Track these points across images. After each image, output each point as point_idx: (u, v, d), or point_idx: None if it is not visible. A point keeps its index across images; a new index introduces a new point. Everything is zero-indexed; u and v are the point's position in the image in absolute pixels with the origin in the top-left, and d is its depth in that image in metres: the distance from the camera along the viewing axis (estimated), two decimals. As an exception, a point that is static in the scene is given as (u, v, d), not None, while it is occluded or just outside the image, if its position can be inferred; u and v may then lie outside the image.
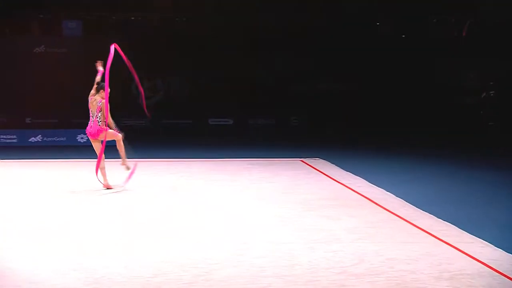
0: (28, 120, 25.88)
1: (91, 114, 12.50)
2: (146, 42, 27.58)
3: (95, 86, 12.58)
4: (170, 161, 16.99)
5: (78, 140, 21.87)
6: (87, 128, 12.53)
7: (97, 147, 12.53)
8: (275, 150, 20.05)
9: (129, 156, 12.93)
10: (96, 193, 12.18)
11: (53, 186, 12.92)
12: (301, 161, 16.91)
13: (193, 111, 27.92)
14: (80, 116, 25.64)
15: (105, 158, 12.56)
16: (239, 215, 10.15)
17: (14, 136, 21.78)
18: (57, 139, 21.97)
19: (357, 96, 27.91)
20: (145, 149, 20.67)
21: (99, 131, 12.44)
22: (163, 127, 27.30)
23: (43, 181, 13.46)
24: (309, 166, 15.98)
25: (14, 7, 26.58)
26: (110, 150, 13.13)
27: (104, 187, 12.47)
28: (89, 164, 14.41)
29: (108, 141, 12.59)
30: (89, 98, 12.51)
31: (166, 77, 28.85)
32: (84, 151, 19.87)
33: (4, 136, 21.65)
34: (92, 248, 7.95)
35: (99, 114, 12.42)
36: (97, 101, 12.45)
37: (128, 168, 12.79)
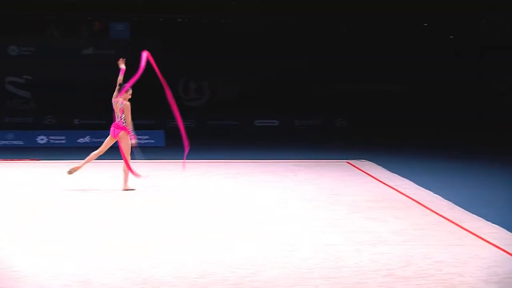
0: (76, 121, 26.27)
1: (115, 115, 12.63)
2: (192, 43, 27.75)
3: (117, 87, 12.67)
4: (215, 162, 17.06)
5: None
6: (113, 124, 12.64)
7: (107, 144, 12.66)
8: (321, 151, 19.98)
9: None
10: (136, 193, 12.28)
11: (95, 186, 13.06)
12: (347, 162, 16.83)
13: (239, 112, 28.00)
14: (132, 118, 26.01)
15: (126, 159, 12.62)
16: (285, 216, 10.15)
17: (63, 137, 22.08)
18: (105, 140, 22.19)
19: (405, 97, 27.71)
20: (191, 150, 20.79)
21: (121, 128, 12.55)
22: (208, 128, 27.44)
23: (88, 181, 13.62)
24: (355, 168, 15.90)
25: (63, 10, 26.98)
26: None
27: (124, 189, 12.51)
28: (134, 165, 14.52)
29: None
30: (113, 100, 12.61)
31: (212, 78, 28.98)
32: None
33: (53, 137, 21.97)
34: (137, 249, 8.02)
35: (122, 115, 12.55)
36: (119, 102, 12.56)
37: (70, 173, 12.61)
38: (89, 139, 22.10)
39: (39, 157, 17.94)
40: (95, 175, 14.22)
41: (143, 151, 20.09)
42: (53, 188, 12.82)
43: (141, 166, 16.28)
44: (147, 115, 26.67)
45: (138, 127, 23.47)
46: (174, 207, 10.87)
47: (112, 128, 12.58)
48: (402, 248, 8.16)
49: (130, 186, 12.60)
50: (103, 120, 25.55)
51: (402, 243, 8.39)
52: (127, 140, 12.48)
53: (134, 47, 26.52)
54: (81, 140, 22.15)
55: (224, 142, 23.57)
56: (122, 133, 12.49)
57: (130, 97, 12.68)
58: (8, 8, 26.72)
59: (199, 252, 7.86)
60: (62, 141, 21.96)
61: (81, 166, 12.64)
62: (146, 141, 22.23)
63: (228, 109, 28.14)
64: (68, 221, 9.77)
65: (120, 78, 12.73)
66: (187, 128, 27.61)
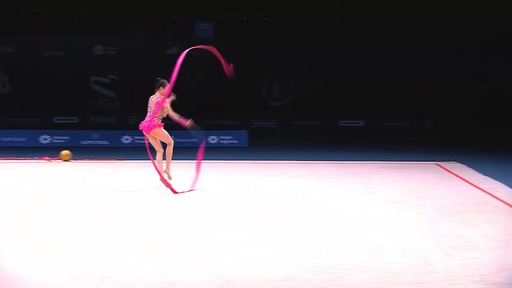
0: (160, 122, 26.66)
1: (148, 110, 12.76)
2: (276, 42, 27.79)
3: (162, 90, 12.78)
4: (299, 164, 17.01)
5: (209, 142, 22.29)
6: (142, 122, 12.76)
7: (155, 142, 12.76)
8: (408, 152, 19.69)
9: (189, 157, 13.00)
10: (218, 194, 12.34)
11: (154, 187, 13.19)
12: (436, 164, 16.52)
13: (323, 112, 27.89)
14: (212, 117, 26.31)
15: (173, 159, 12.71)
16: (371, 219, 10.02)
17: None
18: (189, 141, 22.43)
19: (495, 97, 27.06)
20: (274, 150, 20.81)
21: (154, 126, 12.65)
22: (292, 129, 27.43)
23: (146, 182, 13.77)
24: (444, 170, 15.59)
25: (148, 9, 27.44)
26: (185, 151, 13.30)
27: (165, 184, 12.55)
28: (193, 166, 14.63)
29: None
30: (153, 100, 12.73)
31: (296, 78, 28.97)
32: (212, 152, 20.24)
33: (138, 137, 22.33)
34: (219, 249, 8.05)
35: (157, 113, 12.66)
36: (156, 96, 12.69)
37: (170, 178, 12.73)
38: (174, 138, 22.40)
39: (123, 157, 18.28)
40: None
41: (227, 152, 20.27)
42: (137, 188, 13.02)
43: (225, 166, 16.40)
44: (230, 115, 26.93)
45: (222, 127, 23.78)
46: (257, 208, 10.88)
47: (142, 129, 12.69)
48: (495, 253, 7.93)
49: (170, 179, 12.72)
50: (187, 119, 25.90)
51: (495, 249, 8.16)
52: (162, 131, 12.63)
53: (218, 46, 26.89)
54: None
55: (308, 143, 23.50)
56: (156, 129, 12.66)
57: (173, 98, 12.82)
58: (94, 8, 27.39)
59: (281, 254, 7.83)
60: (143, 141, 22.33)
61: (167, 167, 12.81)
62: (229, 141, 22.39)
63: (312, 109, 28.07)
64: (154, 219, 9.91)
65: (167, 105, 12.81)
66: (269, 129, 27.77)
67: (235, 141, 22.41)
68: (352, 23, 27.98)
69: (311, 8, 27.91)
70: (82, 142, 22.04)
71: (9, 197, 11.76)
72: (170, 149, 12.84)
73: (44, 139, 22.04)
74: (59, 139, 22.01)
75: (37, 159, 17.61)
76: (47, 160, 17.55)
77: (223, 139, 22.41)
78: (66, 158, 17.69)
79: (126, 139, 22.28)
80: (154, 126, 12.65)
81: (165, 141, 12.79)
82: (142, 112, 24.17)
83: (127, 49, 27.50)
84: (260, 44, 27.63)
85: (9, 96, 27.80)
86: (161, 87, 12.74)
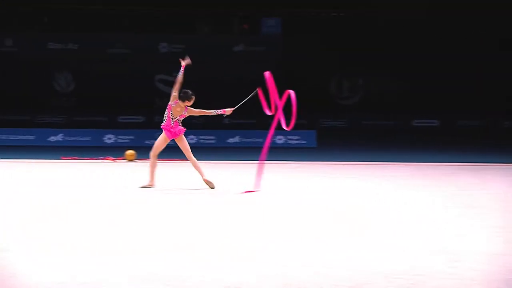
0: (226, 121, 26.76)
1: (171, 116, 12.59)
2: (347, 39, 27.60)
3: (177, 86, 12.62)
4: (370, 165, 16.81)
5: (276, 141, 22.27)
6: (168, 127, 12.62)
7: (185, 146, 12.68)
8: (486, 153, 19.28)
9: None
10: (284, 195, 12.27)
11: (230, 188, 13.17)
12: (517, 166, 16.14)
13: (395, 112, 27.56)
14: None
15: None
16: (447, 223, 9.79)
17: (213, 137, 22.54)
18: (255, 140, 22.47)
19: None
20: (343, 151, 20.64)
21: (181, 131, 12.58)
22: (363, 128, 27.20)
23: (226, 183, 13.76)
24: (525, 172, 15.21)
25: (214, 6, 27.57)
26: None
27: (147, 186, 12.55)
28: (271, 167, 14.59)
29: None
30: (173, 102, 12.57)
31: (367, 76, 28.72)
32: (279, 153, 20.18)
33: (203, 137, 22.48)
34: (280, 252, 7.97)
35: (180, 119, 12.61)
36: (183, 109, 12.55)
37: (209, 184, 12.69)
38: (239, 139, 22.47)
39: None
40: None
41: (294, 152, 20.21)
42: (198, 189, 13.05)
43: (293, 167, 16.33)
44: (298, 114, 26.83)
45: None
46: (325, 211, 10.77)
47: (171, 134, 12.61)
48: None
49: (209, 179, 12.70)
50: (252, 119, 25.92)
51: None
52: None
53: (285, 43, 26.87)
54: (230, 140, 22.55)
55: (379, 143, 23.25)
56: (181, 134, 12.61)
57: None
58: (158, 6, 27.66)
59: (352, 259, 7.70)
60: (212, 141, 22.43)
61: (202, 174, 12.78)
62: (297, 141, 22.32)
63: (383, 109, 27.77)
64: (215, 221, 9.90)
65: (180, 77, 12.72)
66: (338, 129, 27.57)
67: (303, 141, 22.34)
68: (428, 22, 27.58)
69: (383, 5, 27.63)
70: (147, 142, 22.26)
71: (73, 197, 11.91)
72: (195, 162, 12.78)
73: (109, 138, 22.35)
74: (124, 139, 22.30)
75: (102, 159, 17.84)
76: (112, 160, 17.77)
77: (290, 139, 22.36)
78: (131, 158, 17.88)
79: (191, 139, 22.42)
80: (182, 131, 12.68)
81: (185, 154, 12.75)
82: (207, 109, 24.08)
83: (193, 46, 27.68)
84: (329, 40, 27.48)
85: (73, 94, 28.31)
86: (186, 100, 12.65)
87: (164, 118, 12.61)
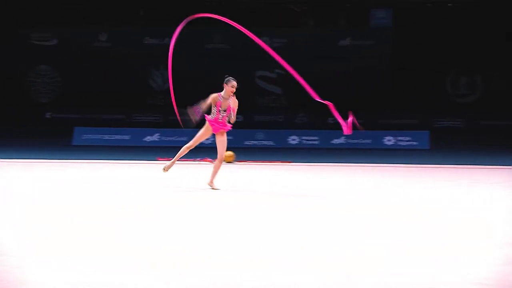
0: (330, 120, 26.71)
1: (218, 110, 12.69)
2: (464, 31, 27.08)
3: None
4: (489, 168, 16.46)
5: (385, 143, 22.10)
6: (217, 122, 12.75)
7: (224, 144, 12.82)
8: None
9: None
10: (386, 200, 12.14)
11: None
12: None
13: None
14: (387, 116, 26.04)
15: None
16: None
17: (316, 138, 22.54)
18: (362, 142, 22.36)
19: None
20: (459, 153, 20.29)
21: (227, 127, 12.74)
22: (481, 129, 26.66)
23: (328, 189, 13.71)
24: None
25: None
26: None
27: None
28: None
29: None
30: (219, 95, 12.69)
31: (486, 71, 28.12)
32: (388, 154, 20.02)
33: (306, 138, 22.51)
34: (390, 264, 7.91)
35: (228, 113, 12.68)
36: (229, 96, 12.68)
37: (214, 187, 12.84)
38: (345, 140, 22.40)
39: (290, 159, 18.43)
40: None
41: (404, 154, 19.99)
42: (307, 191, 13.08)
43: (402, 171, 16.15)
44: (409, 113, 26.52)
45: (399, 127, 23.39)
46: (435, 219, 10.61)
47: (220, 127, 12.78)
48: None
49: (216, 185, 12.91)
50: (360, 118, 25.82)
51: None
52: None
53: (396, 36, 26.62)
54: (335, 141, 22.50)
55: (499, 145, 22.74)
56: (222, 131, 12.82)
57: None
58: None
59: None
60: (315, 142, 22.44)
61: (173, 161, 13.18)
62: (408, 142, 22.07)
63: (504, 108, 27.14)
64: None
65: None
66: (454, 129, 27.02)
67: (415, 143, 22.06)
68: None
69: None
70: (246, 142, 22.47)
71: (168, 199, 12.13)
72: (187, 148, 13.01)
73: (207, 139, 22.66)
74: (223, 139, 22.58)
75: (199, 160, 18.11)
76: (210, 161, 18.01)
77: (400, 140, 22.14)
78: (229, 159, 18.08)
79: (293, 140, 22.49)
80: (225, 128, 12.92)
81: (219, 151, 12.95)
82: (311, 110, 24.24)
83: (296, 41, 27.73)
84: (445, 33, 27.03)
85: (169, 92, 28.81)
86: (226, 84, 12.96)
87: (212, 115, 12.93)
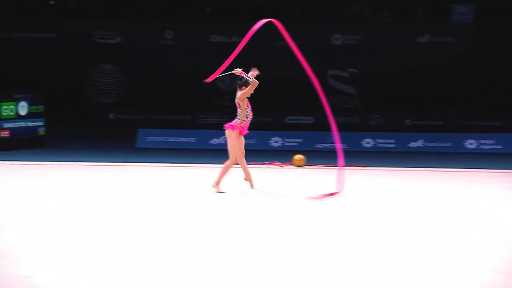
0: (407, 122, 26.44)
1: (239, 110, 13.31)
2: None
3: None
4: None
5: (466, 146, 21.78)
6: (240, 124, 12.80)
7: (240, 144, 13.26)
8: None
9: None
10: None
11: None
12: None
13: None
14: (469, 117, 25.68)
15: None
16: None
17: (392, 140, 22.32)
18: (442, 145, 22.05)
19: None
20: None
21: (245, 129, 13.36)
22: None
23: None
24: None
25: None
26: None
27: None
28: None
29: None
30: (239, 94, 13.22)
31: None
32: (469, 158, 19.76)
33: (381, 140, 22.30)
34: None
35: (242, 112, 12.65)
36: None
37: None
38: (423, 143, 22.12)
39: (364, 163, 18.31)
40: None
41: (487, 159, 19.68)
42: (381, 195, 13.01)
43: (485, 176, 15.95)
44: (492, 114, 26.09)
45: (481, 129, 23.00)
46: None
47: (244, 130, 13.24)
48: None
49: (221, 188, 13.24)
50: (439, 120, 25.50)
51: None
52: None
53: (478, 33, 26.26)
54: (412, 144, 22.23)
55: None
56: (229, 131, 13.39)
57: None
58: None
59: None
60: (391, 145, 22.21)
61: (220, 179, 13.43)
62: (491, 146, 21.70)
63: None
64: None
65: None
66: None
67: (499, 146, 21.68)
68: None
69: None
70: (318, 146, 22.38)
71: (232, 203, 12.19)
72: (229, 165, 13.29)
73: (275, 141, 22.65)
74: (292, 142, 22.50)
75: (268, 164, 18.11)
76: (279, 165, 18.00)
77: (483, 144, 21.78)
78: (300, 163, 18.04)
79: (368, 143, 22.32)
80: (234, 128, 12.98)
81: (230, 153, 12.97)
82: (385, 111, 24.12)
83: (370, 38, 27.51)
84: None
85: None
86: (243, 87, 13.05)
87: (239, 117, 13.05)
